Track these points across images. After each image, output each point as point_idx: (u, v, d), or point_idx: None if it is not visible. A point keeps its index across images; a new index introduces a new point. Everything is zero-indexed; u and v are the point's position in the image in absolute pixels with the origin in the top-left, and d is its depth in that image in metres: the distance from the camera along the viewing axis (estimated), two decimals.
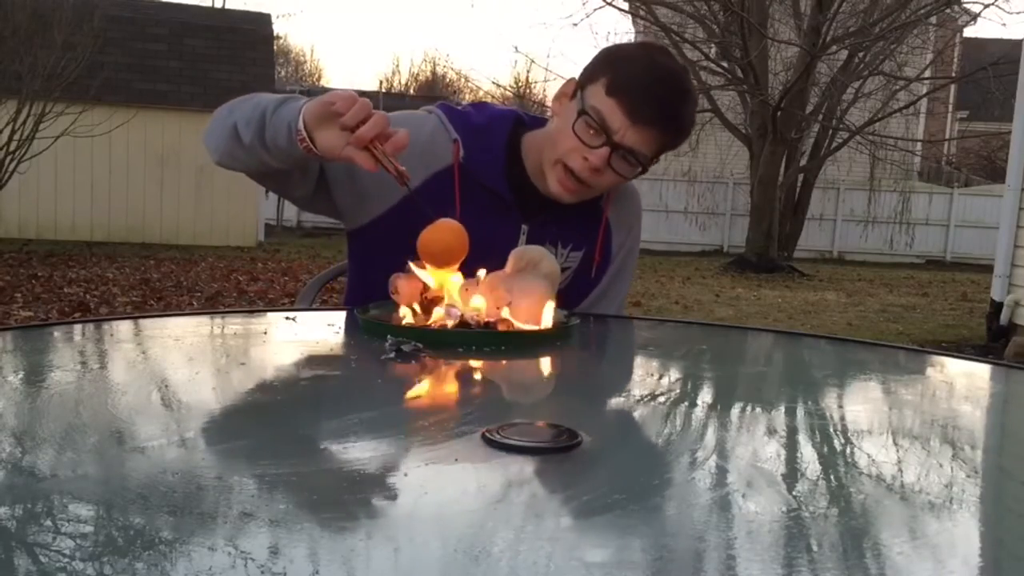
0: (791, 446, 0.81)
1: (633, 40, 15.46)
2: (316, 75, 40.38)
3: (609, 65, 1.36)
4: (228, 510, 0.58)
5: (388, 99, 15.70)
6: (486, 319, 1.18)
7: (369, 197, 1.45)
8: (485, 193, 1.44)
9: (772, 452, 0.78)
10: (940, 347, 6.70)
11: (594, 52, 1.42)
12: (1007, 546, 0.63)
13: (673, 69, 1.38)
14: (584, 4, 16.11)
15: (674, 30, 13.36)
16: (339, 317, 1.40)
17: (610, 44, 1.46)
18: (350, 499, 0.62)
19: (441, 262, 1.19)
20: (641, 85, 1.33)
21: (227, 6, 21.55)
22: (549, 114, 1.50)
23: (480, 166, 1.44)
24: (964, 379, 1.24)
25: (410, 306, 1.22)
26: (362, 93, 1.24)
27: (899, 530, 0.62)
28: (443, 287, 1.21)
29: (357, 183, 1.44)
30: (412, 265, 1.23)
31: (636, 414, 0.90)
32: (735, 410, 0.94)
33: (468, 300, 1.19)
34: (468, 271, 1.22)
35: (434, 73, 39.24)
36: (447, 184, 1.44)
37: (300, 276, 9.14)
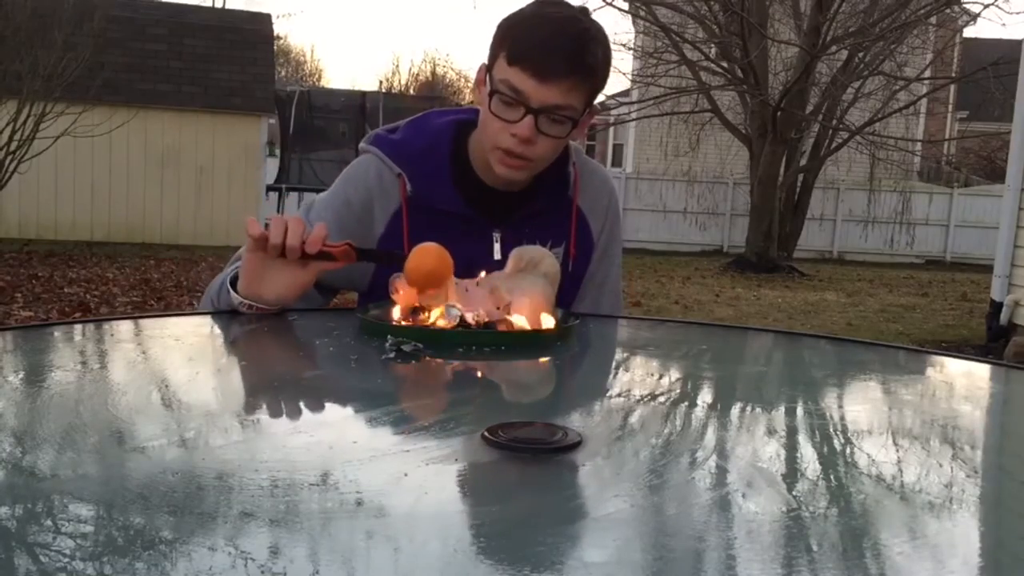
0: (791, 446, 0.81)
1: (633, 38, 15.50)
2: (316, 75, 40.41)
3: (504, 35, 1.32)
4: (228, 510, 0.58)
5: (388, 99, 15.67)
6: (486, 319, 1.18)
7: (351, 277, 1.45)
8: (443, 217, 1.40)
9: (772, 452, 0.78)
10: (940, 347, 6.70)
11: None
12: (1007, 546, 0.63)
13: (566, 15, 1.31)
14: (584, 4, 16.08)
15: (674, 30, 13.36)
16: (339, 317, 1.39)
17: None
18: (350, 499, 0.62)
19: (428, 286, 1.19)
20: (536, 41, 1.28)
21: (227, 6, 21.55)
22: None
23: (430, 192, 1.41)
24: (964, 379, 1.24)
25: (410, 306, 1.22)
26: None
27: (899, 530, 0.62)
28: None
29: (337, 275, 1.41)
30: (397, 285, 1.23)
31: (636, 414, 0.90)
32: (735, 410, 0.94)
33: (468, 301, 1.19)
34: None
35: (434, 73, 39.27)
36: (402, 221, 1.42)
37: None
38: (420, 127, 1.48)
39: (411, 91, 34.95)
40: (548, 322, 1.21)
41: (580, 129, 1.38)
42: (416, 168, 1.42)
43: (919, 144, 17.57)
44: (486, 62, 1.36)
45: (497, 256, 1.42)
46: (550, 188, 1.47)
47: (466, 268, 1.23)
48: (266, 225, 1.26)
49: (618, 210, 1.63)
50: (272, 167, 14.14)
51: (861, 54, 13.56)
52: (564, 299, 1.43)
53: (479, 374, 1.07)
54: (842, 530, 0.60)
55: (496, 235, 1.44)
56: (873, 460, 0.78)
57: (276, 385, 0.97)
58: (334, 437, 0.77)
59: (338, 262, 1.22)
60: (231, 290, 1.25)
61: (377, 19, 76.91)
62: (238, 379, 0.98)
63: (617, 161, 21.91)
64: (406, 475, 0.67)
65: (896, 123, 15.04)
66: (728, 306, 9.14)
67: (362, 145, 1.49)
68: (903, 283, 12.83)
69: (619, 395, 1.00)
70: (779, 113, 12.62)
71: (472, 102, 1.48)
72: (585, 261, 1.54)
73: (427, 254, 1.19)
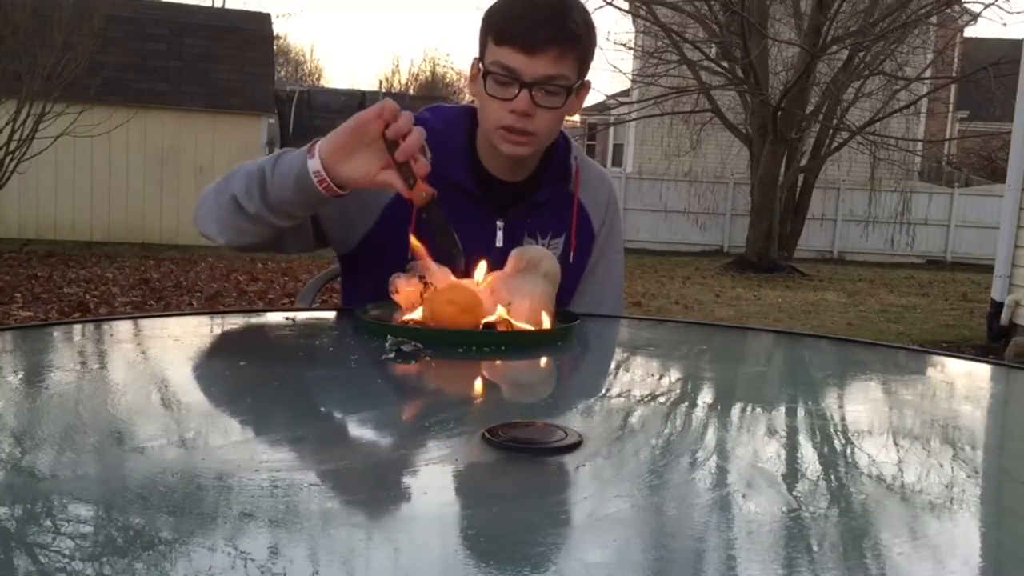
0: (791, 446, 0.81)
1: (633, 38, 15.49)
2: (316, 75, 40.41)
3: (488, 20, 1.38)
4: (228, 510, 0.58)
5: (388, 99, 15.67)
6: (486, 319, 1.18)
7: (353, 220, 1.45)
8: (455, 194, 1.42)
9: (772, 452, 0.78)
10: (940, 347, 6.70)
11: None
12: (1007, 546, 0.63)
13: None
14: (584, 3, 16.08)
15: (674, 30, 13.36)
16: (339, 317, 1.39)
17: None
18: (350, 499, 0.62)
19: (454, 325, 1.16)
20: (516, 17, 1.34)
21: (227, 6, 21.54)
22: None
23: (446, 167, 1.43)
24: (964, 379, 1.24)
25: (410, 307, 1.22)
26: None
27: (899, 530, 0.62)
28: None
29: (344, 209, 1.42)
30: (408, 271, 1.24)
31: (636, 414, 0.90)
32: (735, 410, 0.94)
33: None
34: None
35: (434, 73, 39.29)
36: None
37: (300, 276, 9.13)
38: (437, 112, 1.52)
39: (411, 91, 34.97)
40: (548, 322, 1.21)
41: (578, 102, 1.44)
42: (436, 142, 1.44)
43: (920, 144, 17.55)
44: (477, 55, 1.42)
45: (499, 243, 1.45)
46: (553, 180, 1.51)
47: (472, 249, 1.25)
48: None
49: (617, 207, 1.67)
50: None
51: (862, 54, 13.56)
52: (565, 291, 1.45)
53: (479, 374, 1.07)
54: (842, 530, 0.60)
55: (500, 224, 1.47)
56: (873, 460, 0.77)
57: (276, 385, 0.97)
58: (334, 437, 0.77)
59: (412, 193, 1.18)
60: (318, 155, 1.21)
61: (377, 19, 76.97)
62: (238, 379, 0.98)
63: (617, 161, 21.88)
64: (406, 475, 0.67)
65: (896, 123, 15.04)
66: (728, 306, 9.14)
67: None
68: (903, 283, 12.82)
69: (619, 395, 1.00)
70: (779, 113, 12.62)
71: (473, 102, 1.50)
72: (586, 253, 1.57)
73: (459, 298, 1.16)
